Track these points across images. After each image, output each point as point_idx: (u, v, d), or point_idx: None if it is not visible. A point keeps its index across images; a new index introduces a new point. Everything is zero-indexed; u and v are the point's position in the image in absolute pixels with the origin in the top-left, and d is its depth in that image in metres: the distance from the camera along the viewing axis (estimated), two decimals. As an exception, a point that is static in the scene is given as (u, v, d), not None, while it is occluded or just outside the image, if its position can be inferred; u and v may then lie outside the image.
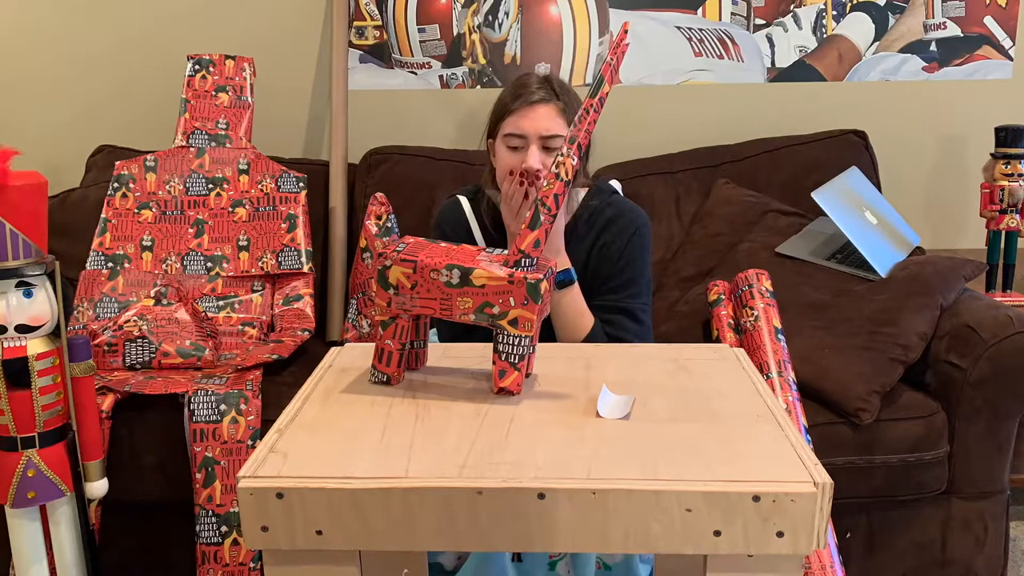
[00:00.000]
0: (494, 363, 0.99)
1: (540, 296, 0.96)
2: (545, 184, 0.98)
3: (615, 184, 1.60)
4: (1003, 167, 2.00)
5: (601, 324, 1.44)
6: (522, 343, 0.97)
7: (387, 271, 1.00)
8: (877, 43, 2.24)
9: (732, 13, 2.23)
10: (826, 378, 1.54)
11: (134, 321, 1.70)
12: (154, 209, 1.96)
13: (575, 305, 1.42)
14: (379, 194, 1.98)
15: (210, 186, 1.98)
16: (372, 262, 1.96)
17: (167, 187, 1.97)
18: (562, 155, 0.97)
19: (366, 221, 1.96)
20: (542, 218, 0.98)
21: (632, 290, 1.46)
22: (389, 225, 1.97)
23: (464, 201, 1.53)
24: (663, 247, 2.03)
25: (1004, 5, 2.20)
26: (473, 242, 1.50)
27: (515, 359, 0.98)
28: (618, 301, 1.46)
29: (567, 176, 0.98)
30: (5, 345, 1.23)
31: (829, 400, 1.53)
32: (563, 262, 1.41)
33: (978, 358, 1.52)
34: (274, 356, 1.68)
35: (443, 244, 1.05)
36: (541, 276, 0.96)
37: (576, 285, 1.42)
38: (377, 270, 1.01)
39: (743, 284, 1.64)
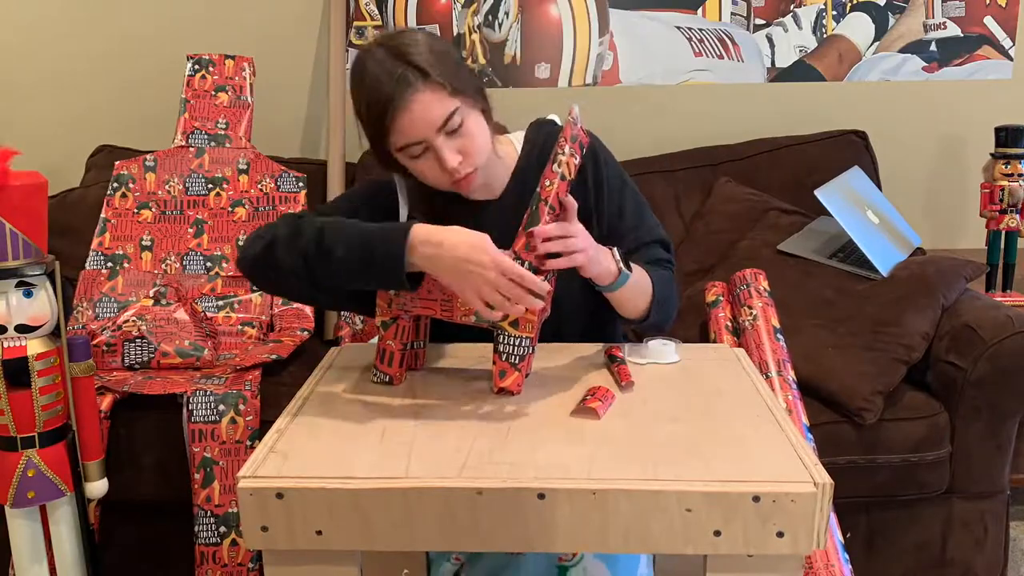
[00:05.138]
0: (494, 363, 0.99)
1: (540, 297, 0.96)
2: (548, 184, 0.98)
3: (553, 117, 1.35)
4: (1003, 167, 2.00)
5: (650, 270, 1.21)
6: (522, 344, 0.97)
7: (387, 271, 1.00)
8: (877, 43, 2.24)
9: (732, 13, 2.22)
10: (829, 378, 1.54)
11: (133, 321, 1.70)
12: (153, 209, 1.96)
13: (635, 286, 1.16)
14: (379, 194, 1.97)
15: (210, 186, 1.98)
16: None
17: (167, 187, 1.97)
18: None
19: (366, 221, 1.96)
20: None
21: (644, 218, 1.30)
22: (389, 225, 1.96)
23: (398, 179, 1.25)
24: (663, 247, 2.03)
25: (1004, 5, 2.20)
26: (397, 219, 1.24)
27: (515, 359, 0.98)
28: (639, 239, 1.27)
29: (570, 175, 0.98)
30: (5, 345, 1.23)
31: (832, 400, 1.53)
32: (608, 266, 1.10)
33: (978, 358, 1.52)
34: (273, 356, 1.68)
35: None
36: (542, 277, 0.96)
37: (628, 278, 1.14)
38: (377, 270, 1.00)
39: (741, 283, 1.64)
